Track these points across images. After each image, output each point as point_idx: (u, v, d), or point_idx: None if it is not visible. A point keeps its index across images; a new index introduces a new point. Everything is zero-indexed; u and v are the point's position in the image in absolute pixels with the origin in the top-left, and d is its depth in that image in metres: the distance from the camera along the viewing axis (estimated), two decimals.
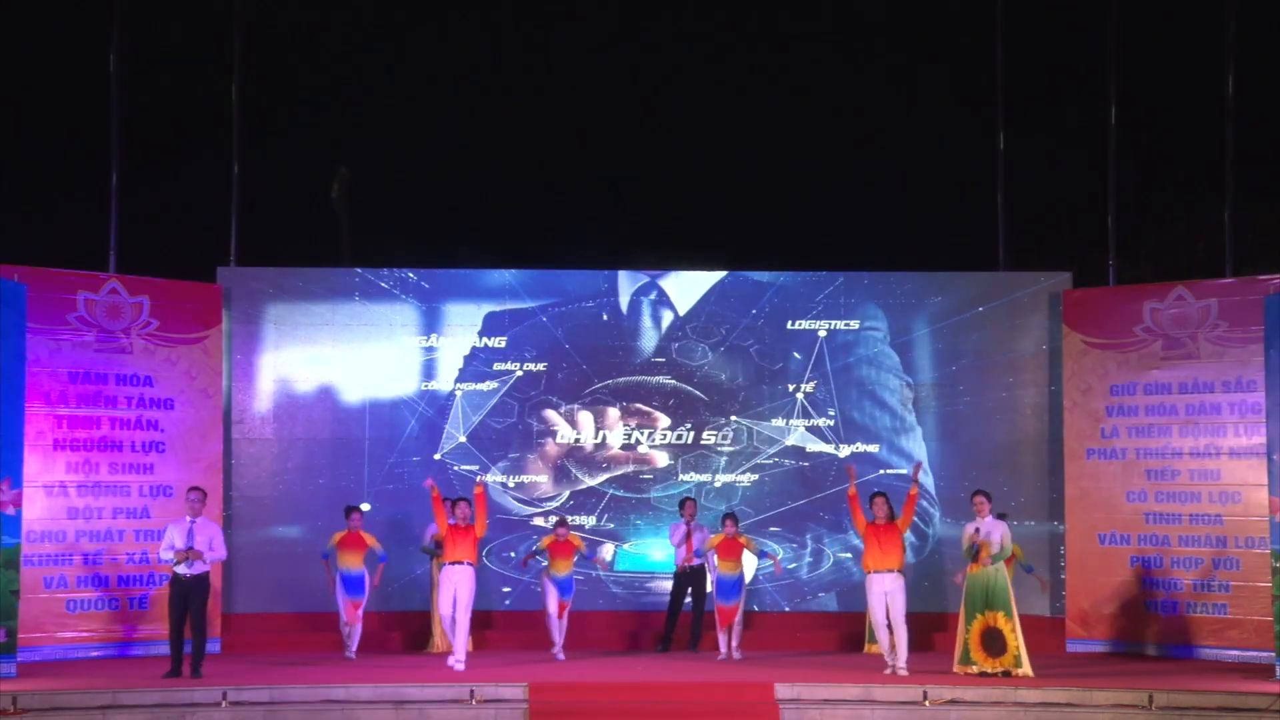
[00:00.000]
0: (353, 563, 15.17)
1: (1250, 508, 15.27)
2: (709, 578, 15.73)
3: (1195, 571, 15.63)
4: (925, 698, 13.10)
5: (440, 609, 14.96)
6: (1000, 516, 14.47)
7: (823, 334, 17.05)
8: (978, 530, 13.91)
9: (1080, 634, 16.11)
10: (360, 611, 15.22)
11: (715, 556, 15.36)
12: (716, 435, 17.07)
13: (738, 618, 15.30)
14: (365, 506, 16.09)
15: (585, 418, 17.08)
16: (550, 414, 17.02)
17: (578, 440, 17.06)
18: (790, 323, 17.12)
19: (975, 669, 13.76)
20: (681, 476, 17.04)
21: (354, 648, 15.24)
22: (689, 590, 15.90)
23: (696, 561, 15.83)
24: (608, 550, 16.91)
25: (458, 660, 14.42)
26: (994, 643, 13.77)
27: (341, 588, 15.19)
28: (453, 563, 14.54)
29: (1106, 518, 16.13)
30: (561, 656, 15.16)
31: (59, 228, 19.75)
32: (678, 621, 15.95)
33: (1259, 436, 15.03)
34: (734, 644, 15.29)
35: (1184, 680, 13.74)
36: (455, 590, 14.54)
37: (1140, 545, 15.94)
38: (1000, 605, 13.84)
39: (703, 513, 16.66)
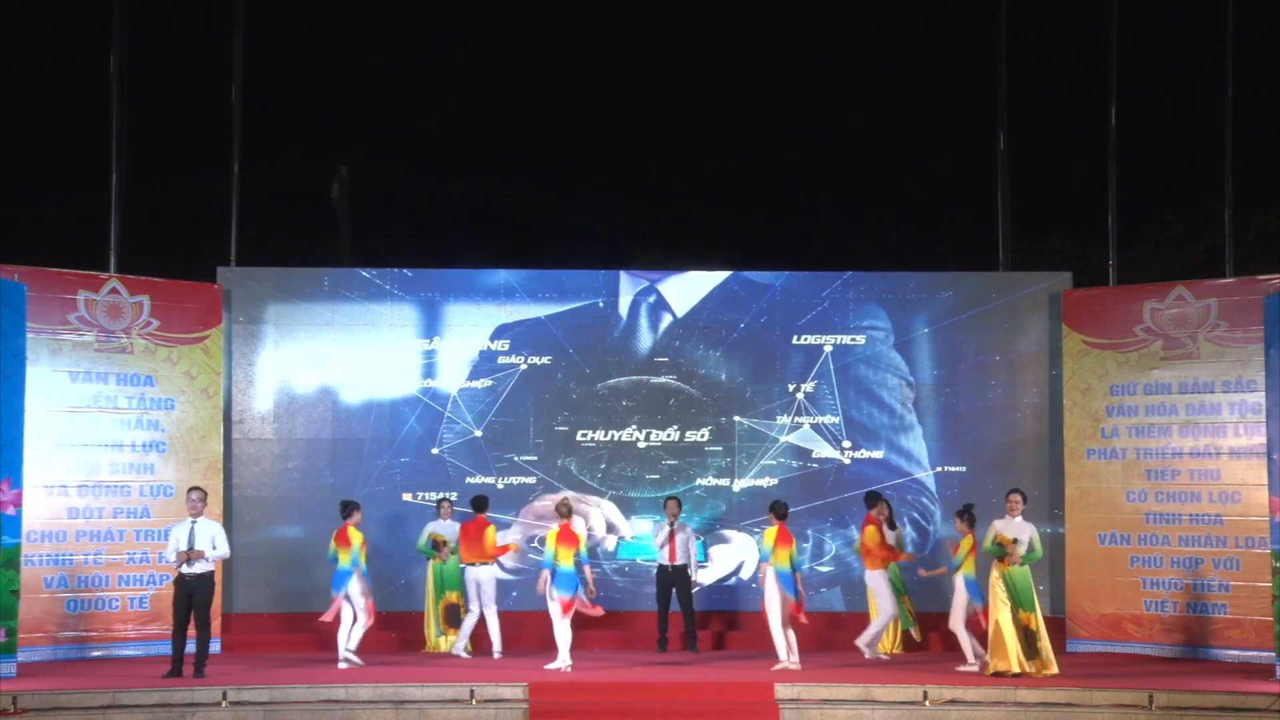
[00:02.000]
0: (343, 559, 14.62)
1: (1250, 508, 15.26)
2: (692, 575, 15.83)
3: (1195, 571, 15.62)
4: (925, 698, 13.09)
5: (469, 605, 15.39)
6: (967, 509, 14.47)
7: (828, 349, 17.03)
8: (1015, 541, 13.84)
9: (1080, 634, 16.09)
10: (336, 610, 14.47)
11: (769, 551, 14.42)
12: (717, 435, 17.04)
13: (797, 616, 14.32)
14: None
15: (586, 419, 17.04)
16: (553, 422, 16.99)
17: (578, 440, 17.04)
18: (796, 337, 17.09)
19: (1014, 667, 13.65)
20: (681, 476, 17.01)
21: (344, 652, 14.49)
22: (673, 589, 15.87)
23: (680, 560, 15.84)
24: (610, 541, 16.86)
25: (496, 652, 15.18)
26: (1030, 644, 13.75)
27: (332, 584, 14.67)
28: (468, 564, 15.29)
29: (1106, 518, 16.12)
30: (567, 666, 14.28)
31: (59, 228, 19.82)
32: (669, 621, 15.96)
33: (1259, 436, 15.02)
34: (792, 647, 14.31)
35: (1184, 680, 13.74)
36: (478, 588, 15.26)
37: (1140, 545, 15.93)
38: (1031, 606, 13.84)
39: (701, 513, 16.64)
